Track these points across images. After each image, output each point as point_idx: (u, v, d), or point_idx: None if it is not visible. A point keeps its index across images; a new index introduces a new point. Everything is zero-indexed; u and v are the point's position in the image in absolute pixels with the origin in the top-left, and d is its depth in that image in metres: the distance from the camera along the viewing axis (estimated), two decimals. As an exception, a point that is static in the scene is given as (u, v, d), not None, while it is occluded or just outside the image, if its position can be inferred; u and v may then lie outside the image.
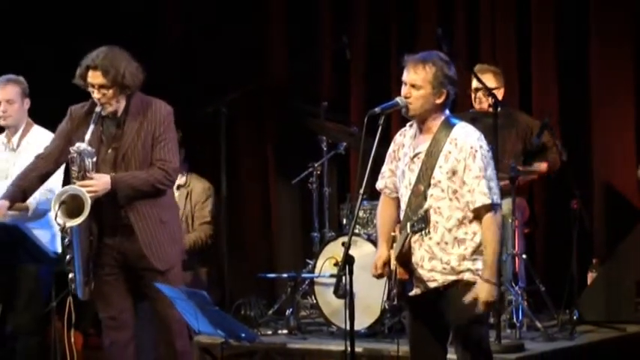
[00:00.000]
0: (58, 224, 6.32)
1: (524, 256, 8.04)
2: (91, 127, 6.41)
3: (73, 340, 8.55)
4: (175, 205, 6.85)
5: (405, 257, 5.52)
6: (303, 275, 8.19)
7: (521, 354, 7.23)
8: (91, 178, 6.38)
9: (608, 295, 8.28)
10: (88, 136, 6.39)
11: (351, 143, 8.49)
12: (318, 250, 8.13)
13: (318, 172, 8.53)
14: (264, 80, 9.71)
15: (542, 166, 8.21)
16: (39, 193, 7.07)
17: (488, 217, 5.46)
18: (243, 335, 6.23)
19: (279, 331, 8.19)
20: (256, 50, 9.96)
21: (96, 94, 6.43)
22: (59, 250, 7.23)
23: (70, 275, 6.59)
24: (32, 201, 7.12)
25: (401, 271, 5.55)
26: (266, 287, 9.24)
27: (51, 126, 6.90)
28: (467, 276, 5.55)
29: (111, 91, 6.42)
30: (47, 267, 7.24)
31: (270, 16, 9.98)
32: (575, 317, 7.87)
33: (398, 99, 5.67)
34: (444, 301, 5.58)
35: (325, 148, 8.50)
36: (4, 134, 7.43)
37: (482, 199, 5.46)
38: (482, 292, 5.42)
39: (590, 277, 8.49)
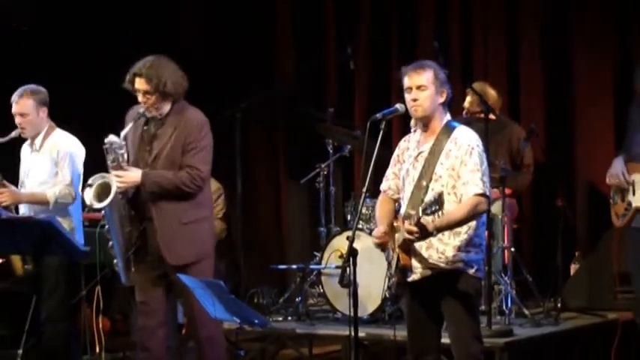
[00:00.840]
0: (86, 203, 6.50)
1: (512, 249, 8.04)
2: (130, 124, 6.53)
3: (101, 325, 8.59)
4: (205, 211, 6.69)
5: (407, 245, 5.52)
6: (311, 267, 8.19)
7: (510, 338, 7.22)
8: (126, 170, 6.47)
9: (590, 285, 8.27)
10: (124, 132, 6.50)
11: (355, 146, 8.49)
12: (324, 243, 8.12)
13: (325, 173, 8.52)
14: (276, 88, 9.70)
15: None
16: (59, 187, 7.10)
17: (475, 198, 5.45)
18: (256, 321, 6.23)
19: (289, 318, 8.19)
20: (268, 61, 9.94)
21: (141, 99, 6.52)
22: (81, 241, 7.23)
23: (115, 261, 6.70)
24: (52, 195, 7.12)
25: (404, 257, 5.55)
26: (277, 278, 9.24)
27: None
28: (461, 266, 5.57)
29: (153, 97, 6.50)
30: (76, 259, 7.25)
31: (280, 31, 9.97)
32: (559, 305, 7.86)
33: (398, 106, 5.71)
34: (439, 288, 5.60)
35: (331, 151, 8.50)
36: (29, 140, 7.41)
37: (475, 189, 5.48)
38: (412, 228, 5.38)
39: (573, 268, 8.48)
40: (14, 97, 7.27)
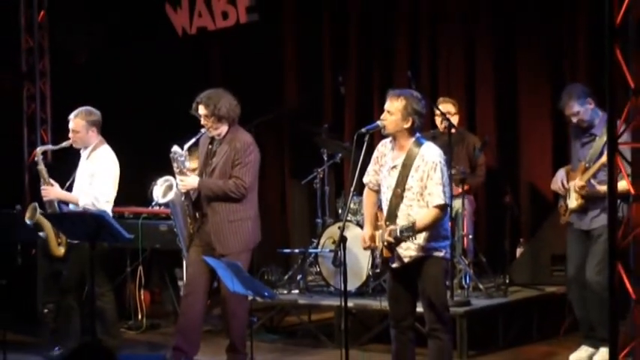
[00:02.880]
0: (154, 197, 6.74)
1: (470, 236, 8.04)
2: (192, 140, 6.66)
3: (142, 297, 8.59)
4: (249, 212, 6.71)
5: (389, 244, 5.53)
6: (310, 250, 8.17)
7: (468, 308, 7.25)
8: (187, 176, 6.56)
9: (532, 265, 8.25)
10: (187, 144, 6.65)
11: (345, 155, 8.47)
12: (320, 232, 8.10)
13: (321, 176, 8.50)
14: (283, 109, 9.68)
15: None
16: (88, 197, 7.06)
17: (436, 210, 5.50)
18: (266, 294, 6.21)
19: (292, 291, 8.17)
20: (277, 88, 9.93)
21: (202, 121, 6.65)
22: None
23: (179, 241, 6.84)
24: (80, 201, 7.08)
25: (386, 252, 5.55)
26: (282, 259, 9.20)
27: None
28: (434, 253, 5.58)
29: (211, 120, 6.59)
30: (122, 244, 7.22)
31: (287, 65, 9.95)
32: (507, 281, 7.85)
33: (378, 122, 5.74)
34: (416, 270, 5.61)
35: (326, 158, 8.48)
36: (82, 150, 7.33)
37: (438, 200, 5.51)
38: (389, 234, 5.45)
39: (519, 251, 8.46)
40: (71, 116, 7.25)
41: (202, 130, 6.68)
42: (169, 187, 6.70)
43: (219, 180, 6.59)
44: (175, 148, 6.63)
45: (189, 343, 6.70)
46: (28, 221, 7.18)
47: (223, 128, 6.65)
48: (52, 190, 7.13)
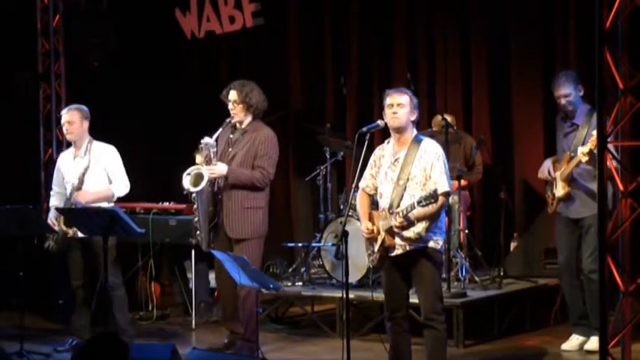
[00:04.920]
0: (185, 188, 6.61)
1: (466, 231, 8.04)
2: (219, 130, 6.66)
3: (153, 289, 8.59)
4: (262, 202, 6.72)
5: (392, 230, 5.52)
6: (313, 244, 8.17)
7: (464, 299, 7.25)
8: (215, 165, 6.53)
9: (525, 258, 8.27)
10: (215, 135, 6.63)
11: (347, 153, 8.48)
12: (323, 226, 8.11)
13: (324, 173, 8.52)
14: (288, 109, 9.68)
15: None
16: (120, 187, 7.10)
17: (441, 199, 5.50)
18: (271, 286, 6.23)
19: (296, 283, 8.17)
20: (283, 89, 9.93)
21: (230, 106, 6.66)
22: None
23: (197, 232, 6.77)
24: (115, 192, 7.14)
25: (389, 239, 5.55)
26: (287, 253, 9.21)
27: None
28: (431, 244, 5.59)
29: (239, 107, 6.60)
30: (134, 239, 7.22)
31: (292, 68, 9.94)
32: (502, 273, 7.84)
33: (379, 122, 5.75)
34: (413, 260, 5.60)
35: (328, 156, 8.50)
36: (71, 150, 7.34)
37: (443, 187, 5.51)
38: (387, 224, 5.50)
39: (513, 245, 8.47)
40: (64, 110, 7.33)
41: (227, 120, 6.66)
42: (199, 176, 6.60)
43: (246, 169, 6.59)
44: (207, 139, 6.59)
45: (240, 327, 6.73)
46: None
47: (248, 118, 6.66)
48: (83, 194, 7.06)
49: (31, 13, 9.94)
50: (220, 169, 6.56)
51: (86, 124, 7.24)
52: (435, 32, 9.15)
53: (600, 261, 5.12)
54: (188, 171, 6.65)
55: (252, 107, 6.61)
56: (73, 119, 7.21)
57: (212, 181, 6.63)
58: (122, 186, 7.17)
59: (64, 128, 7.32)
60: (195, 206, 6.74)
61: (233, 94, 6.64)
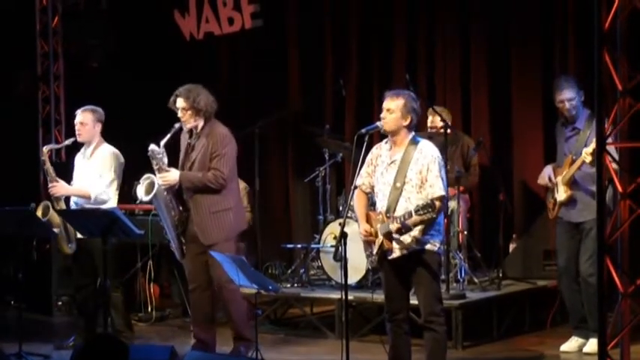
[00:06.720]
0: (136, 197, 6.60)
1: (465, 232, 8.03)
2: (167, 135, 6.55)
3: (152, 290, 8.59)
4: (230, 203, 6.62)
5: (390, 234, 5.52)
6: (312, 246, 8.16)
7: (463, 300, 7.24)
8: (168, 172, 6.45)
9: (524, 259, 8.26)
10: (163, 141, 6.53)
11: (346, 154, 8.46)
12: (322, 228, 8.10)
13: (323, 174, 8.50)
14: (286, 110, 9.68)
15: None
16: (99, 187, 7.04)
17: (437, 203, 5.46)
18: (270, 287, 6.22)
19: (295, 285, 8.16)
20: (281, 91, 9.93)
21: (179, 114, 6.55)
22: None
23: (169, 241, 6.73)
24: (92, 192, 7.08)
25: (387, 243, 5.54)
26: (286, 254, 9.21)
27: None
28: (428, 246, 5.58)
29: (189, 113, 6.50)
30: (134, 240, 7.21)
31: (290, 69, 9.94)
32: (501, 275, 7.84)
33: (377, 123, 5.74)
34: (411, 262, 5.60)
35: (327, 158, 8.48)
36: (83, 149, 7.34)
37: (439, 192, 5.50)
38: (385, 229, 5.49)
39: (512, 247, 8.46)
40: (78, 111, 7.26)
41: (176, 126, 6.55)
42: (151, 185, 6.55)
43: (199, 172, 6.52)
44: (153, 147, 6.50)
45: (206, 333, 6.70)
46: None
47: (200, 122, 6.56)
48: (60, 187, 7.12)
49: (30, 14, 9.94)
50: (172, 175, 6.50)
51: (98, 127, 7.21)
52: (434, 33, 9.14)
53: (599, 262, 5.11)
54: (140, 180, 6.60)
55: (201, 111, 6.52)
56: (85, 120, 7.18)
57: (167, 188, 6.56)
58: (99, 190, 7.06)
59: (75, 128, 7.25)
60: (158, 217, 6.74)
61: (180, 102, 6.54)
